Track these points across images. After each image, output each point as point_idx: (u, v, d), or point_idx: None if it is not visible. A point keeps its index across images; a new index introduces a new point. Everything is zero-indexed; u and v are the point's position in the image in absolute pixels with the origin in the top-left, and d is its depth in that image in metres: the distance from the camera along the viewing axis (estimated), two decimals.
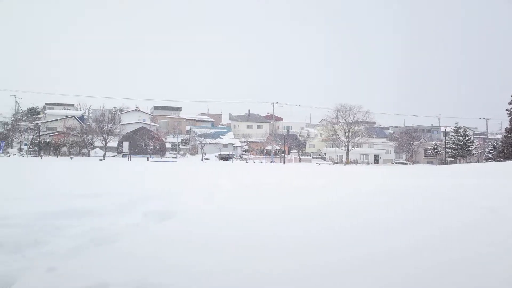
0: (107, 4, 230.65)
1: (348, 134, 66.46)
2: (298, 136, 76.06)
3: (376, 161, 73.04)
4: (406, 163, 67.13)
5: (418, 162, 71.85)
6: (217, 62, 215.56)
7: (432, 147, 72.92)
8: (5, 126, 72.03)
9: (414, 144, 73.69)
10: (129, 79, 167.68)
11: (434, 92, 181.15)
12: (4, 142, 58.56)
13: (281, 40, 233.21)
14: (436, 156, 71.85)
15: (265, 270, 2.96)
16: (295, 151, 70.15)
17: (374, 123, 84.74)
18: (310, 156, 71.89)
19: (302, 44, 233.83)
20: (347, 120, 67.45)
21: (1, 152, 55.24)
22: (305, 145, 76.33)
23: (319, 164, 51.22)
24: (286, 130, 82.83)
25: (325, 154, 75.27)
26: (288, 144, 69.73)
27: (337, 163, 66.29)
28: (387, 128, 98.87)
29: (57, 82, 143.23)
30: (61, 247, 3.75)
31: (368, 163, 67.81)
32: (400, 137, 79.35)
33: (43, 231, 4.36)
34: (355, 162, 68.15)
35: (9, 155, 52.55)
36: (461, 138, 64.76)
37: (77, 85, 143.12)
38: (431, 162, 70.65)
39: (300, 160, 65.81)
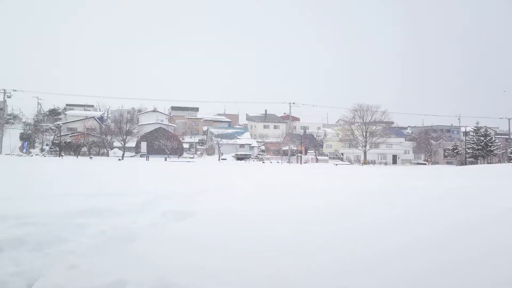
0: (129, 5, 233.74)
1: (366, 134, 65.79)
2: (315, 136, 75.64)
3: (394, 161, 72.12)
4: (425, 164, 66.11)
5: (437, 163, 70.65)
6: (234, 62, 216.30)
7: (451, 147, 71.57)
8: (28, 126, 73.72)
9: (433, 144, 72.46)
10: (146, 80, 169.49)
11: (454, 91, 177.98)
12: (27, 143, 59.99)
13: (298, 40, 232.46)
14: (456, 157, 70.51)
15: (281, 271, 2.96)
16: (312, 151, 69.79)
17: (392, 123, 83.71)
18: (327, 156, 71.45)
19: (320, 44, 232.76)
20: (364, 120, 66.77)
21: (24, 152, 56.59)
22: (322, 145, 75.87)
23: (336, 165, 50.85)
24: (303, 130, 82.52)
25: (342, 154, 74.70)
26: (305, 144, 69.41)
27: (354, 163, 65.71)
28: (405, 128, 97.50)
29: (76, 84, 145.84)
30: (82, 245, 3.82)
31: (386, 164, 67.00)
32: (418, 137, 78.11)
33: (64, 229, 4.46)
34: (373, 162, 67.42)
35: (32, 155, 53.75)
36: (482, 138, 63.36)
37: (96, 86, 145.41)
38: (451, 163, 69.40)
39: (317, 160, 65.47)
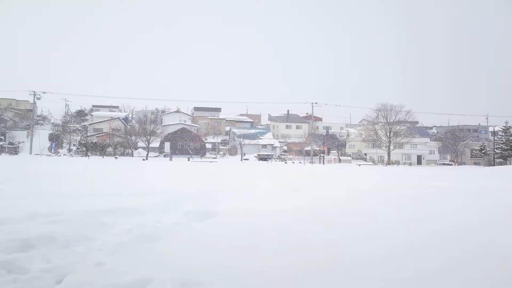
0: (149, 6, 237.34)
1: (389, 134, 64.75)
2: (338, 137, 74.96)
3: (419, 162, 70.72)
4: (451, 164, 64.56)
5: (464, 163, 68.87)
6: (256, 62, 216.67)
7: (479, 148, 69.65)
8: (56, 127, 75.75)
9: (460, 145, 70.68)
10: (170, 81, 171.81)
11: (482, 90, 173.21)
12: (55, 143, 61.65)
13: (320, 40, 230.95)
14: (484, 157, 68.59)
15: (304, 270, 2.96)
16: (335, 151, 69.20)
17: (417, 122, 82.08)
18: (350, 156, 70.70)
19: (343, 44, 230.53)
20: (388, 120, 65.73)
21: (53, 152, 58.18)
22: (345, 145, 75.07)
23: (359, 165, 50.25)
24: (325, 130, 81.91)
25: (365, 154, 73.79)
26: (327, 145, 68.91)
27: (378, 164, 64.80)
28: (431, 128, 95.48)
29: (102, 85, 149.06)
30: (108, 243, 3.90)
31: (410, 164, 65.77)
32: (444, 137, 76.24)
33: (91, 227, 4.56)
34: (397, 163, 66.29)
35: (60, 155, 55.18)
36: None
37: (121, 87, 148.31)
38: (478, 163, 67.54)
39: (339, 160, 64.86)
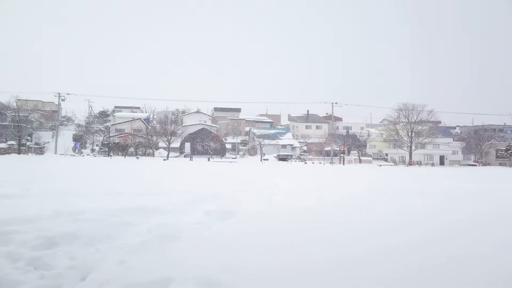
0: (177, 6, 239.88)
1: (411, 134, 63.70)
2: (358, 137, 74.19)
3: (442, 162, 69.31)
4: (475, 165, 63.07)
5: (488, 164, 67.19)
6: (277, 62, 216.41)
7: (505, 148, 67.77)
8: (80, 128, 77.39)
9: (484, 145, 68.97)
10: (190, 82, 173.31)
11: (508, 89, 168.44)
12: (79, 143, 63.00)
13: (341, 39, 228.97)
14: (510, 158, 66.74)
15: (325, 270, 2.95)
16: (355, 151, 68.52)
17: (439, 122, 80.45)
18: (371, 157, 69.86)
19: (363, 44, 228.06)
20: (409, 120, 64.68)
21: (76, 152, 59.48)
22: (366, 145, 74.22)
23: (380, 165, 49.62)
24: (345, 131, 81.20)
25: (386, 155, 72.79)
26: (347, 145, 68.27)
27: (399, 164, 63.83)
28: (454, 128, 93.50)
29: (123, 86, 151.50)
30: (130, 242, 3.96)
31: (432, 165, 64.56)
32: (468, 137, 74.51)
33: (114, 226, 4.63)
34: (419, 163, 65.15)
35: (83, 155, 56.31)
36: None
37: (142, 89, 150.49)
38: (504, 164, 65.77)
39: (360, 161, 64.19)
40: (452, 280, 2.76)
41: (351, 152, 69.31)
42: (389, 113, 75.24)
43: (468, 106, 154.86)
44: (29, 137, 64.13)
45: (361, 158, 65.74)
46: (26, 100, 73.77)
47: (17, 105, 65.79)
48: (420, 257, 3.33)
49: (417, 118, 64.71)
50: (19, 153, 55.81)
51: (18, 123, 60.97)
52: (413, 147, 63.88)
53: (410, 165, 59.94)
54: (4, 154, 53.06)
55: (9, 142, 61.47)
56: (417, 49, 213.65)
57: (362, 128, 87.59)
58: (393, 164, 63.45)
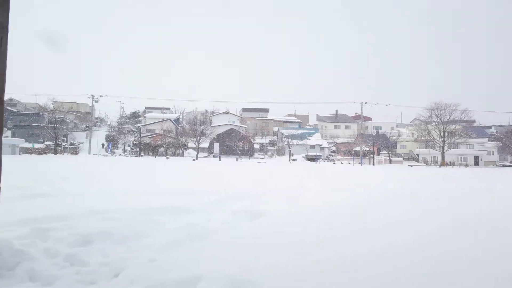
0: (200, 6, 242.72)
1: (443, 134, 61.97)
2: (388, 137, 72.81)
3: (476, 163, 67.04)
4: None
5: None
6: (306, 62, 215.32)
7: None
8: (112, 129, 79.43)
9: None
10: (218, 82, 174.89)
11: None
12: (111, 144, 64.66)
13: (370, 38, 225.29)
14: None
15: (355, 271, 2.93)
16: (385, 152, 67.31)
17: (474, 121, 77.94)
18: (401, 157, 68.44)
19: (395, 43, 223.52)
20: (442, 119, 62.94)
21: (109, 152, 61.05)
22: (396, 146, 72.76)
23: (411, 166, 48.52)
24: (375, 131, 79.88)
25: (417, 155, 71.12)
26: (377, 145, 67.12)
27: (431, 165, 62.20)
28: (489, 127, 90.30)
29: (154, 87, 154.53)
30: (160, 241, 4.05)
31: (466, 165, 62.55)
32: (504, 136, 71.71)
33: (144, 225, 4.75)
34: (452, 164, 63.27)
35: (115, 155, 57.73)
36: None
37: (172, 90, 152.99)
38: None
39: (390, 161, 63.01)
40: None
41: (381, 152, 68.08)
42: (420, 112, 73.45)
43: (504, 104, 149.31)
44: (64, 138, 66.37)
45: (391, 158, 64.48)
46: (62, 102, 76.41)
47: (53, 106, 68.24)
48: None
49: (449, 117, 62.86)
50: (55, 153, 57.83)
51: (54, 124, 63.19)
52: (445, 147, 62.10)
53: (442, 165, 58.28)
54: (41, 154, 55.11)
55: (46, 143, 63.79)
56: (450, 48, 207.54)
57: (392, 128, 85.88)
58: (424, 164, 61.89)
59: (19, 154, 52.22)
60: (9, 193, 6.50)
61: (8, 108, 74.39)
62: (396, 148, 72.42)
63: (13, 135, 66.42)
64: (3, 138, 2.97)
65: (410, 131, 77.79)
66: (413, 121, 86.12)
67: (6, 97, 2.89)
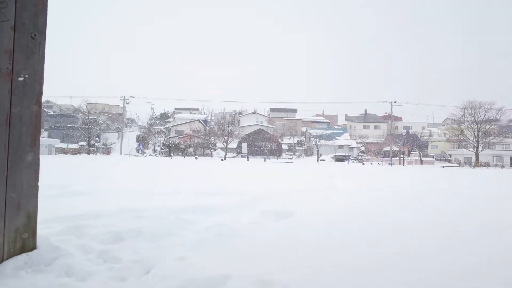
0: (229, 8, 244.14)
1: (478, 134, 59.93)
2: (419, 137, 71.08)
3: None
4: None
5: None
6: (334, 62, 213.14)
7: None
8: (143, 129, 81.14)
9: None
10: (247, 83, 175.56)
11: None
12: (142, 144, 66.06)
13: (400, 37, 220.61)
14: None
15: (383, 275, 2.89)
16: (416, 152, 65.73)
17: (511, 121, 75.03)
18: (433, 157, 66.67)
19: (422, 43, 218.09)
20: (476, 119, 60.88)
21: (140, 152, 62.37)
22: (427, 146, 70.94)
23: (443, 167, 47.20)
24: (405, 130, 78.15)
25: (450, 155, 69.12)
26: (408, 145, 65.66)
27: (464, 165, 60.31)
28: None
29: (183, 88, 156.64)
30: (189, 239, 4.10)
31: (502, 166, 60.28)
32: None
33: (174, 224, 4.82)
34: (486, 165, 61.12)
35: (146, 155, 58.90)
36: None
37: (201, 91, 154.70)
38: None
39: (421, 162, 61.49)
40: None
41: (412, 152, 66.58)
42: (453, 111, 71.33)
43: None
44: (97, 138, 68.27)
45: (422, 159, 62.92)
46: (95, 103, 78.67)
47: (87, 108, 70.37)
48: None
49: (484, 116, 60.72)
50: (88, 153, 59.58)
51: (88, 125, 65.13)
52: (480, 148, 60.05)
53: (476, 166, 56.40)
54: (75, 154, 56.90)
55: (80, 143, 65.84)
56: (484, 44, 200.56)
57: (423, 128, 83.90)
58: (457, 165, 60.09)
59: (55, 154, 54.09)
60: (47, 192, 6.76)
61: (45, 110, 77.25)
62: (427, 149, 70.64)
63: (49, 136, 68.86)
64: (40, 138, 3.08)
65: (442, 131, 75.69)
66: (445, 120, 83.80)
67: (43, 99, 3.01)
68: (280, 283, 2.71)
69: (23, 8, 2.79)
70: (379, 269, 3.00)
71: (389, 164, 54.19)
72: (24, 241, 2.91)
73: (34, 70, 2.91)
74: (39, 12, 2.93)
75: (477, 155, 59.56)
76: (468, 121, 61.97)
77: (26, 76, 2.84)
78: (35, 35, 2.89)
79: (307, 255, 3.38)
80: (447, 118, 79.17)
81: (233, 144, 67.73)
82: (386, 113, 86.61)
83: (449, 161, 66.62)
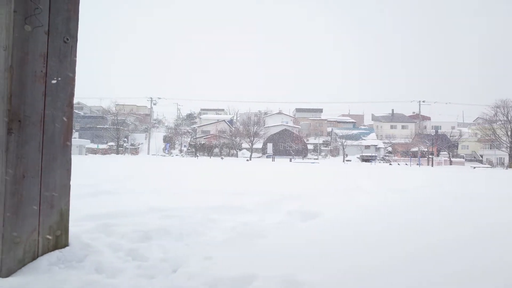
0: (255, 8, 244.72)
1: (511, 134, 57.92)
2: (449, 137, 69.25)
3: None
4: None
5: None
6: (361, 61, 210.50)
7: None
8: (169, 130, 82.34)
9: None
10: (272, 84, 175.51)
11: None
12: (169, 144, 67.04)
13: (428, 34, 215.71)
14: None
15: (416, 272, 2.84)
16: (445, 152, 64.08)
17: None
18: (463, 158, 64.84)
19: (452, 42, 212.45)
20: (509, 118, 58.82)
21: (166, 152, 63.33)
22: (457, 146, 69.03)
23: (474, 168, 45.81)
24: (434, 130, 76.28)
25: (481, 156, 67.05)
26: (436, 145, 64.07)
27: (497, 166, 58.38)
28: None
29: (209, 89, 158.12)
30: (216, 239, 4.14)
31: None
32: None
33: (201, 223, 4.87)
34: None
35: (172, 156, 59.71)
36: None
37: (227, 91, 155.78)
38: None
39: (451, 162, 59.89)
40: None
41: (441, 153, 64.93)
42: (484, 111, 69.19)
43: None
44: (125, 139, 69.73)
45: (451, 159, 61.28)
46: (123, 104, 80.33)
47: (116, 109, 72.00)
48: None
49: None
50: (117, 153, 60.94)
51: (116, 126, 66.62)
52: None
53: (510, 167, 54.49)
54: (105, 154, 58.29)
55: (109, 143, 67.41)
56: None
57: (453, 128, 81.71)
58: (489, 166, 58.19)
59: (86, 154, 55.57)
60: (78, 191, 6.95)
61: (76, 111, 79.52)
62: (457, 149, 68.77)
63: (80, 137, 70.86)
64: (72, 139, 3.18)
65: (473, 131, 73.60)
66: (476, 120, 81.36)
67: (74, 101, 3.11)
68: (306, 284, 2.70)
69: (56, 13, 2.89)
70: (400, 270, 2.95)
71: (417, 164, 53.02)
72: (57, 238, 3.01)
73: (66, 73, 3.01)
74: (71, 17, 3.02)
75: (510, 155, 57.55)
76: (501, 121, 59.95)
77: (59, 78, 2.94)
78: (67, 39, 2.99)
79: (332, 256, 3.35)
80: (478, 117, 76.83)
81: (258, 145, 67.83)
82: (414, 112, 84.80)
83: (481, 161, 64.59)
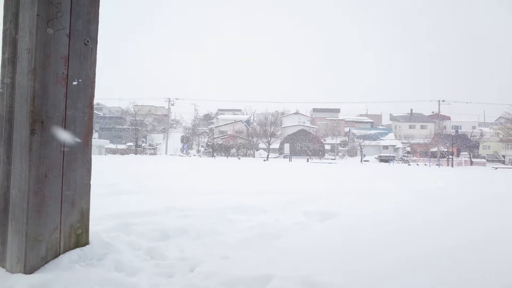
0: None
1: None
2: (469, 137, 67.87)
3: None
4: None
5: None
6: (379, 61, 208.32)
7: None
8: (187, 130, 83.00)
9: None
10: (288, 83, 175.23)
11: None
12: (186, 144, 67.59)
13: (449, 34, 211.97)
14: None
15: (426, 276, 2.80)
16: (465, 153, 62.84)
17: None
18: (484, 158, 63.47)
19: (474, 40, 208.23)
20: None
21: (184, 152, 63.85)
22: (478, 146, 67.59)
23: (496, 168, 44.79)
24: (454, 130, 74.87)
25: (503, 156, 65.51)
26: (457, 146, 62.87)
27: None
28: None
29: (226, 90, 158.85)
30: (233, 238, 4.15)
31: None
32: None
33: (218, 223, 4.90)
34: None
35: (190, 156, 60.15)
36: None
37: (244, 92, 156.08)
38: None
39: (471, 163, 58.70)
40: None
41: (461, 153, 63.71)
42: (506, 110, 67.60)
43: None
44: (144, 139, 70.59)
45: (472, 160, 60.06)
46: (141, 105, 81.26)
47: (134, 110, 72.91)
48: None
49: None
50: (135, 153, 61.70)
51: (135, 127, 67.47)
52: None
53: None
54: (124, 154, 59.11)
55: (128, 144, 68.35)
56: None
57: (473, 128, 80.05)
58: (511, 166, 56.83)
59: (105, 155, 56.44)
60: (98, 190, 7.07)
61: (95, 112, 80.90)
62: (478, 149, 67.33)
63: (99, 137, 72.06)
64: (92, 139, 3.24)
65: (495, 131, 71.92)
66: (498, 119, 79.54)
67: (94, 102, 3.17)
68: (323, 285, 2.69)
69: (77, 16, 2.95)
70: (419, 270, 2.91)
71: (437, 165, 52.13)
72: (78, 236, 3.07)
73: (87, 75, 3.07)
74: (91, 20, 3.09)
75: None
76: None
77: (80, 80, 3.00)
78: (87, 41, 3.05)
79: (350, 257, 3.33)
80: (500, 117, 75.13)
81: (275, 145, 67.77)
82: (433, 112, 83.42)
83: (503, 162, 63.13)
